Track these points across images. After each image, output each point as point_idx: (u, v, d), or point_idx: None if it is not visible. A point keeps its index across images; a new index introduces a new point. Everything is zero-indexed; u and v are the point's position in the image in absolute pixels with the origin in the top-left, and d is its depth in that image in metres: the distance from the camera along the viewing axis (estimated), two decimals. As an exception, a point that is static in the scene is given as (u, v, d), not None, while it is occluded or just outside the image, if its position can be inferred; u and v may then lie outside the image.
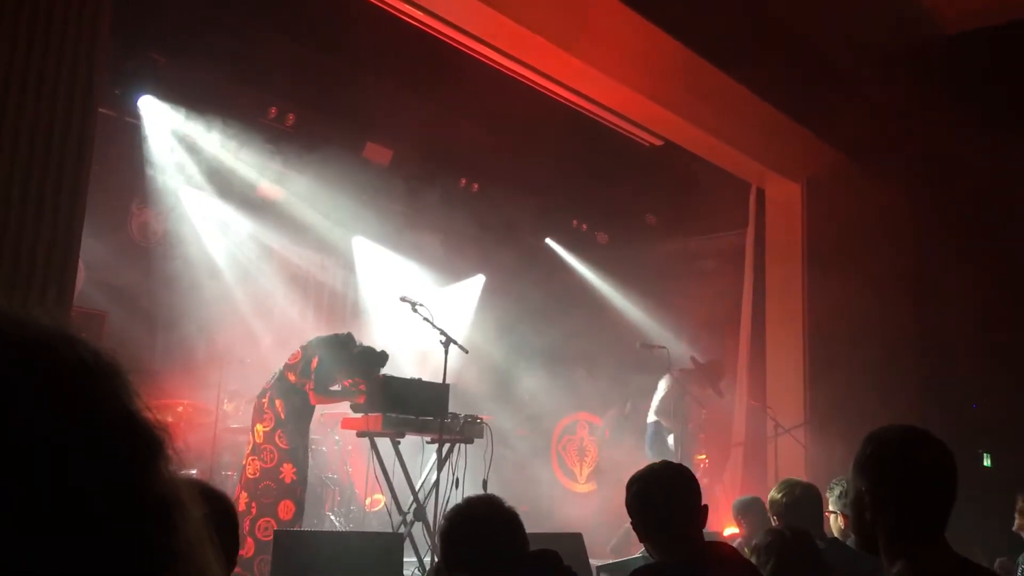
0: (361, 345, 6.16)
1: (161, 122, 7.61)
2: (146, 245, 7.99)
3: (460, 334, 7.43)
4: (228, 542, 1.98)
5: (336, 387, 5.96)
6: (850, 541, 3.27)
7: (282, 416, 5.77)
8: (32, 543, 0.52)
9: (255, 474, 5.67)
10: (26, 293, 3.80)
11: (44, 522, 0.53)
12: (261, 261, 8.51)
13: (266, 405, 5.83)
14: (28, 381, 0.56)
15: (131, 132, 7.48)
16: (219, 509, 1.98)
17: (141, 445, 0.60)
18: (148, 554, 0.57)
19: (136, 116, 7.47)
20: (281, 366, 5.98)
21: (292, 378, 5.88)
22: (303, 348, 5.98)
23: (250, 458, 5.76)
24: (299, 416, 5.85)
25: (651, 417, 8.39)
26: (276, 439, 5.71)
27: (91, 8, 4.10)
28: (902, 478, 1.78)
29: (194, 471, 6.61)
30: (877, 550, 1.79)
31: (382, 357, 6.10)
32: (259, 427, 5.79)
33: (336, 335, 6.13)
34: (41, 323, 0.61)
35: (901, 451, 1.81)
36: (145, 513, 0.58)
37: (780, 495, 3.45)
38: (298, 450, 5.78)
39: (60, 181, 3.95)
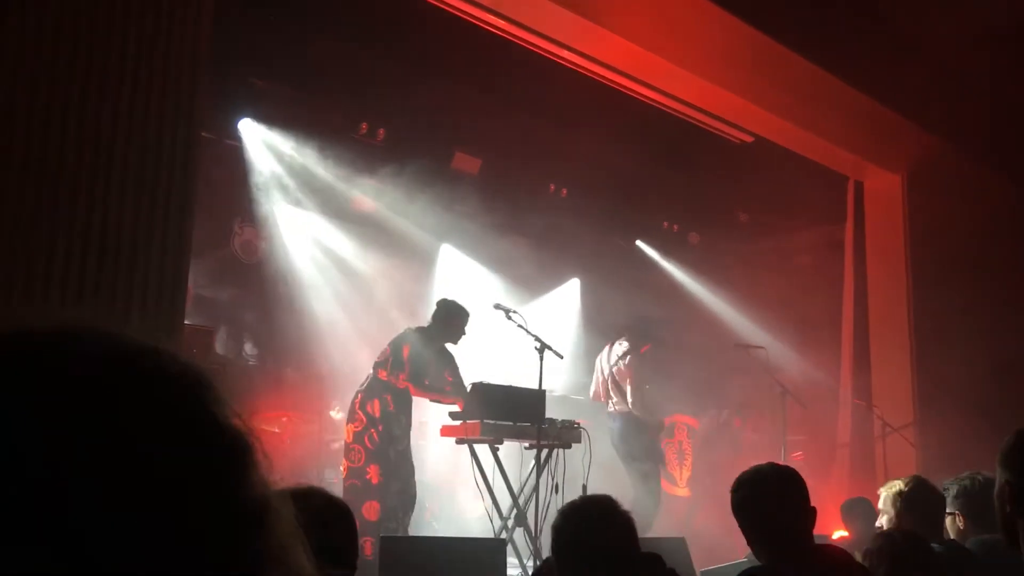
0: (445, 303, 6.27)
1: (259, 142, 7.89)
2: (248, 262, 8.27)
3: (568, 337, 7.41)
4: (346, 545, 2.04)
5: (428, 382, 5.99)
6: (969, 543, 3.14)
7: (377, 415, 5.83)
8: (124, 545, 0.54)
9: (344, 473, 5.82)
10: (141, 313, 3.99)
11: (134, 525, 0.55)
12: (356, 273, 8.70)
13: (357, 406, 5.91)
14: (112, 390, 0.58)
15: (231, 153, 7.77)
16: (336, 514, 2.04)
17: (228, 450, 0.61)
18: (240, 554, 0.59)
19: (235, 138, 7.76)
20: (372, 368, 6.08)
21: (384, 375, 5.93)
22: (391, 343, 6.06)
23: (343, 460, 5.90)
24: (393, 417, 5.89)
25: (620, 406, 7.01)
26: (365, 440, 5.78)
27: (191, 36, 4.28)
28: None
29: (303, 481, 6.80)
30: (1018, 543, 1.72)
31: (461, 311, 6.20)
32: (349, 427, 5.91)
33: (423, 327, 6.20)
34: (127, 337, 0.62)
35: None
36: (235, 516, 0.59)
37: (908, 487, 3.28)
38: (388, 451, 5.81)
39: (168, 205, 4.14)
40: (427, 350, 6.03)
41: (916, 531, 2.90)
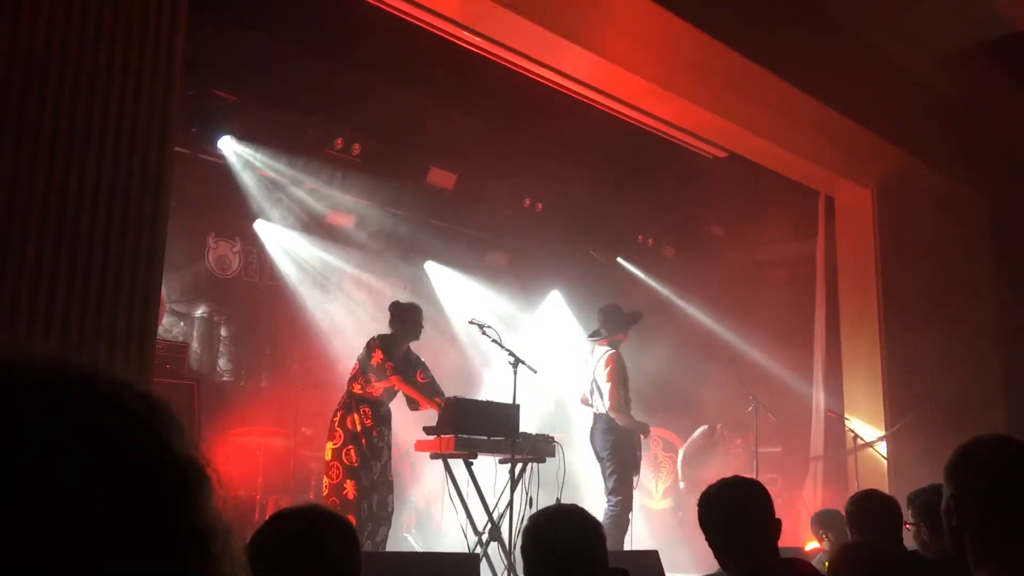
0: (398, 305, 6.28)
1: (234, 157, 7.87)
2: (223, 277, 8.25)
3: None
4: (347, 562, 2.04)
5: (412, 378, 6.06)
6: (931, 554, 3.18)
7: (358, 431, 5.87)
8: (70, 569, 0.56)
9: (325, 491, 5.84)
10: (112, 328, 3.97)
11: (79, 552, 0.56)
12: (334, 289, 8.69)
13: (336, 424, 5.95)
14: (63, 421, 0.60)
15: (205, 168, 7.75)
16: (337, 531, 2.04)
17: (176, 479, 0.62)
18: None
19: (209, 152, 7.73)
20: (347, 383, 6.11)
21: (357, 388, 5.98)
22: (360, 355, 6.11)
23: (324, 477, 5.91)
24: (371, 432, 5.92)
25: (600, 409, 6.73)
26: (343, 456, 5.82)
27: (165, 51, 4.28)
28: (984, 485, 1.74)
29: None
30: (966, 557, 1.75)
31: (412, 306, 6.23)
32: (328, 445, 5.94)
33: (385, 333, 6.19)
34: (85, 366, 0.64)
35: (985, 457, 1.78)
36: (181, 543, 0.61)
37: (856, 507, 3.38)
38: (367, 467, 5.84)
39: (140, 219, 4.12)
40: (397, 352, 6.06)
41: (876, 542, 2.94)
